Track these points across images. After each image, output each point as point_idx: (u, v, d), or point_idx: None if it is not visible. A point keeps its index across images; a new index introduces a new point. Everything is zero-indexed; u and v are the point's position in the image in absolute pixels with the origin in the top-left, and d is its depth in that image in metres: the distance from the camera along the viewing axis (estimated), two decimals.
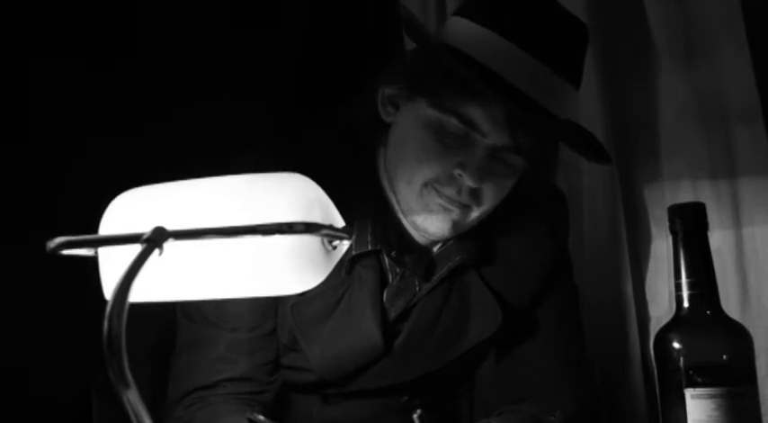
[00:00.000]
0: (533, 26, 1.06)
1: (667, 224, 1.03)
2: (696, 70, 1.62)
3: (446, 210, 1.11)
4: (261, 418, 1.05)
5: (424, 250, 1.21)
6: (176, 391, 1.18)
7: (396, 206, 1.17)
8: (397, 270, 1.18)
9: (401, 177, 1.13)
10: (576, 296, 1.33)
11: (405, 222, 1.18)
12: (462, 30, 1.08)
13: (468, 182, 1.08)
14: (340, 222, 0.81)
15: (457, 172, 1.08)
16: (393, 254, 1.17)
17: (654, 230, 1.65)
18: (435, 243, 1.21)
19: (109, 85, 1.63)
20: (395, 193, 1.15)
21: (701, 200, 1.23)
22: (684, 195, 1.59)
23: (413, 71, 1.11)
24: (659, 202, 1.64)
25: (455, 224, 1.12)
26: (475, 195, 1.11)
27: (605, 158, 1.17)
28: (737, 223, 1.59)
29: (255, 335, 1.17)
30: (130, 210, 0.81)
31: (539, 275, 1.26)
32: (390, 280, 1.19)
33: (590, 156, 1.17)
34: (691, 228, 1.01)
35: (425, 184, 1.10)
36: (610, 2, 1.67)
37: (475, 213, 1.13)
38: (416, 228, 1.15)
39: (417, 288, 1.19)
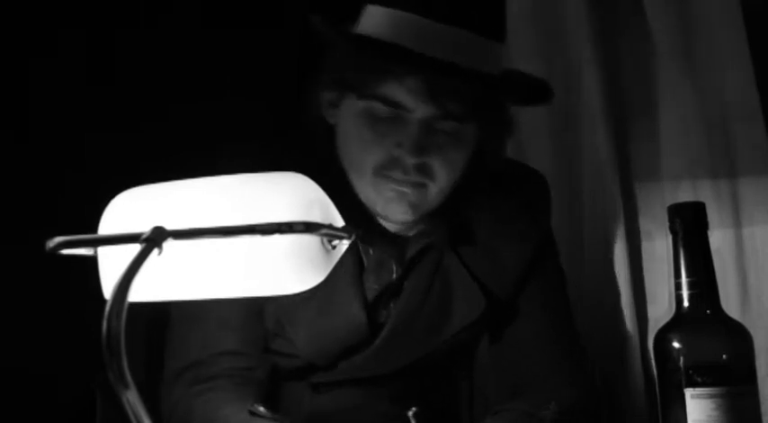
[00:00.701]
0: None
1: (667, 224, 1.03)
2: (696, 70, 1.62)
3: (400, 193, 1.12)
4: (261, 409, 1.06)
5: (397, 237, 1.22)
6: (172, 369, 1.19)
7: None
8: (370, 251, 1.19)
9: (352, 171, 1.15)
10: (563, 279, 1.33)
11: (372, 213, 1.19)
12: (369, 16, 1.11)
13: (409, 158, 1.09)
14: (340, 222, 0.81)
15: (396, 152, 1.10)
16: (359, 232, 1.17)
17: (654, 230, 1.65)
18: (409, 228, 1.21)
19: (109, 84, 1.63)
20: (356, 189, 1.16)
21: (701, 200, 1.23)
22: (684, 195, 1.59)
23: (333, 70, 1.14)
24: (659, 201, 1.64)
25: (414, 206, 1.13)
26: (424, 171, 1.11)
27: (546, 94, 1.17)
28: (737, 223, 1.59)
29: (246, 310, 1.19)
30: (130, 209, 0.81)
31: (522, 260, 1.26)
32: (366, 264, 1.20)
33: (531, 100, 1.19)
34: (691, 227, 1.01)
35: (375, 174, 1.12)
36: (610, 2, 1.67)
37: (433, 189, 1.13)
38: (381, 217, 1.17)
39: (394, 274, 1.20)
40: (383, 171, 1.12)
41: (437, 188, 1.13)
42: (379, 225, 1.21)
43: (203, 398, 1.15)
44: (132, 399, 0.70)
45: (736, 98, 1.59)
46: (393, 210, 1.14)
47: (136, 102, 1.64)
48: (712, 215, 1.08)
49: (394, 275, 1.21)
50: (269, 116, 1.78)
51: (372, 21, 1.11)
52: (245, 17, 1.79)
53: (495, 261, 1.24)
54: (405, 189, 1.12)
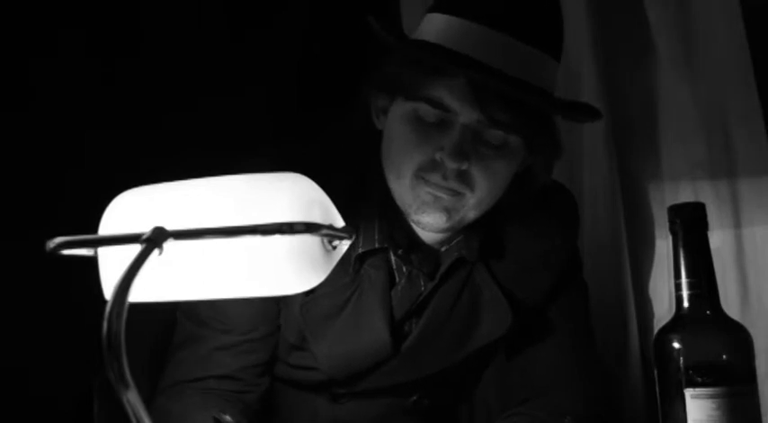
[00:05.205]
0: (490, 3, 1.07)
1: (667, 224, 1.03)
2: (696, 70, 1.62)
3: (436, 198, 1.10)
4: (227, 418, 1.04)
5: (431, 250, 1.21)
6: (162, 384, 1.20)
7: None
8: (404, 269, 1.19)
9: (391, 173, 1.14)
10: (587, 294, 1.33)
11: (408, 220, 1.18)
12: (429, 23, 1.11)
13: (449, 163, 1.07)
14: (340, 222, 0.81)
15: (438, 155, 1.08)
16: (399, 252, 1.17)
17: (654, 230, 1.65)
18: (442, 243, 1.21)
19: (109, 84, 1.63)
20: (393, 192, 1.15)
21: (701, 200, 1.23)
22: (684, 195, 1.59)
23: (387, 74, 1.13)
24: (659, 202, 1.64)
25: (449, 212, 1.11)
26: (463, 179, 1.09)
27: (595, 115, 1.17)
28: (737, 223, 1.59)
29: (247, 338, 1.18)
30: (130, 209, 0.81)
31: (551, 275, 1.26)
32: (398, 280, 1.19)
33: (580, 118, 1.20)
34: (691, 228, 1.01)
35: (414, 176, 1.10)
36: (610, 2, 1.67)
37: (471, 200, 1.11)
38: (414, 221, 1.15)
39: (423, 288, 1.20)
40: (422, 174, 1.10)
41: (475, 199, 1.11)
42: (417, 238, 1.19)
43: (181, 402, 1.16)
44: (132, 399, 0.70)
45: (735, 99, 1.59)
46: (426, 214, 1.11)
47: (136, 101, 1.64)
48: (712, 215, 1.08)
49: (422, 288, 1.20)
50: (269, 116, 1.78)
51: (430, 26, 1.10)
52: (245, 17, 1.79)
53: (525, 276, 1.24)
54: (441, 194, 1.10)
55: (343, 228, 0.80)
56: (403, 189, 1.12)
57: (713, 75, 1.61)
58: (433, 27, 1.09)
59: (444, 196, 1.10)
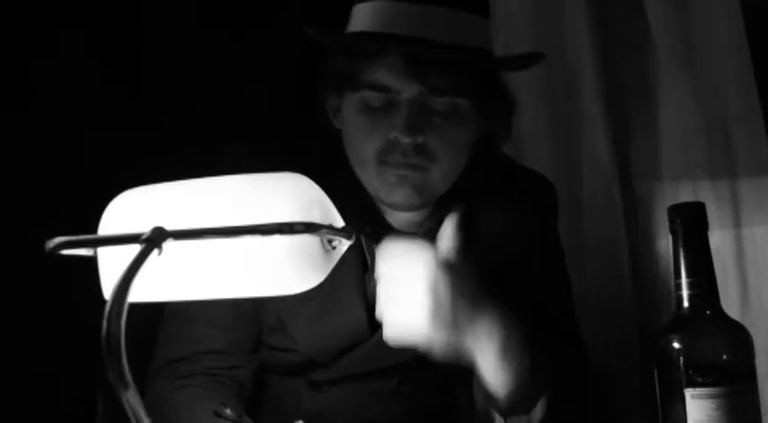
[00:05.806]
0: None
1: (667, 224, 1.03)
2: (696, 70, 1.62)
3: (401, 176, 1.13)
4: (228, 411, 1.06)
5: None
6: (156, 363, 1.22)
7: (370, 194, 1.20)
8: (375, 249, 1.20)
9: (356, 164, 1.17)
10: (569, 285, 1.34)
11: (381, 208, 1.21)
12: (357, 13, 1.16)
13: (403, 138, 1.11)
14: (340, 222, 0.81)
15: (392, 135, 1.12)
16: (367, 229, 1.19)
17: (654, 230, 1.65)
18: (420, 225, 1.22)
19: (109, 84, 1.63)
20: (363, 183, 1.18)
21: (701, 200, 1.23)
22: (684, 195, 1.59)
23: (330, 73, 1.18)
24: (659, 202, 1.64)
25: (417, 188, 1.14)
26: (423, 153, 1.12)
27: (534, 58, 1.20)
28: (737, 223, 1.59)
29: (236, 311, 1.21)
30: (130, 209, 0.81)
31: (528, 262, 1.27)
32: (370, 263, 1.21)
33: (518, 66, 1.23)
34: (690, 227, 1.01)
35: (376, 162, 1.14)
36: (610, 2, 1.67)
37: (436, 172, 1.14)
38: (387, 204, 1.18)
39: None
40: (383, 157, 1.13)
41: (440, 171, 1.14)
42: (389, 225, 1.22)
43: (180, 392, 1.17)
44: (132, 399, 0.70)
45: (735, 98, 1.59)
46: (396, 194, 1.14)
47: (136, 101, 1.64)
48: (712, 215, 1.08)
49: None
50: (269, 116, 1.78)
51: (356, 17, 1.15)
52: (245, 17, 1.79)
53: (501, 262, 1.24)
54: (405, 172, 1.13)
55: (343, 228, 0.80)
56: (369, 176, 1.16)
57: (713, 75, 1.61)
58: (361, 17, 1.13)
59: (409, 173, 1.13)
